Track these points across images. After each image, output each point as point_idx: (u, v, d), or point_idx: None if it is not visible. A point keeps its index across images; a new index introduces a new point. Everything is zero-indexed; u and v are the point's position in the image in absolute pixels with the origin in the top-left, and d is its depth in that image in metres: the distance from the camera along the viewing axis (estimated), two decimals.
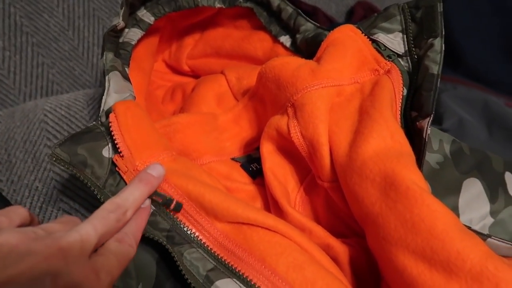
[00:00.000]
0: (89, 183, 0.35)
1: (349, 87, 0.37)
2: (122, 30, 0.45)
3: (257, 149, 0.43)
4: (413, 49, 0.38)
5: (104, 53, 0.43)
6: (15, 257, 0.23)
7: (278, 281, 0.29)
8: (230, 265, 0.31)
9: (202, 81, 0.51)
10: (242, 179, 0.41)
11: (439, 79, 0.35)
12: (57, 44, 0.70)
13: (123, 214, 0.29)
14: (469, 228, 0.32)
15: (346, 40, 0.38)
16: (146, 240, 0.33)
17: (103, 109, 0.39)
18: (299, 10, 0.48)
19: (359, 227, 0.35)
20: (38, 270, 0.23)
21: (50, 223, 0.28)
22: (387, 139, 0.31)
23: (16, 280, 0.22)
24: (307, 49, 0.47)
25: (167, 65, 0.61)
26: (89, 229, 0.26)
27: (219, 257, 0.31)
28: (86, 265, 0.25)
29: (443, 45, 0.36)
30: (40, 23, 0.70)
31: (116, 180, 0.35)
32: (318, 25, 0.47)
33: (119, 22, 0.43)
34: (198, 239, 0.32)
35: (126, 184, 0.35)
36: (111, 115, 0.37)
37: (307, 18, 0.48)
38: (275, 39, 0.51)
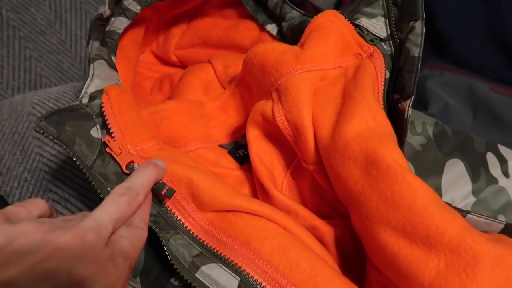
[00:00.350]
0: (78, 161, 0.34)
1: (332, 71, 0.37)
2: (108, 18, 0.45)
3: (245, 136, 0.43)
4: (395, 33, 0.39)
5: (90, 42, 0.43)
6: (32, 248, 0.22)
7: (262, 263, 0.30)
8: (215, 250, 0.31)
9: (189, 70, 0.51)
10: (229, 165, 0.42)
11: (420, 61, 0.35)
12: (45, 38, 0.70)
13: (134, 197, 0.29)
14: (450, 205, 0.33)
15: (329, 25, 0.39)
16: None
17: (85, 91, 0.39)
18: None
19: (345, 209, 0.36)
20: (55, 260, 0.23)
21: (69, 216, 0.28)
22: (369, 120, 0.32)
23: (33, 271, 0.22)
24: (293, 36, 0.47)
25: (155, 56, 0.61)
26: (103, 214, 0.26)
27: (204, 243, 0.32)
28: (103, 252, 0.25)
29: (424, 28, 0.37)
30: (27, 16, 0.69)
31: (105, 161, 0.35)
32: (304, 12, 0.47)
33: (105, 10, 0.43)
34: (184, 225, 0.33)
35: (118, 165, 0.35)
36: (104, 97, 0.37)
37: (293, 6, 0.48)
38: (262, 27, 0.51)
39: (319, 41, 0.37)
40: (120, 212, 0.27)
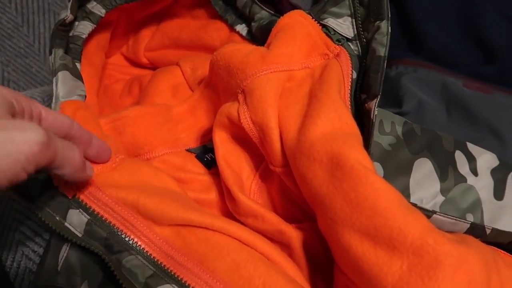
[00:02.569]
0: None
1: (299, 72, 0.37)
2: (71, 23, 0.44)
3: (212, 140, 0.43)
4: (362, 32, 0.39)
5: (53, 50, 0.41)
6: None
7: (215, 283, 0.29)
8: (169, 270, 0.31)
9: (157, 73, 0.50)
10: (196, 170, 0.41)
11: (385, 61, 0.35)
12: (11, 41, 0.68)
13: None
14: (416, 206, 0.33)
15: (296, 25, 0.38)
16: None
17: (53, 108, 0.38)
18: None
19: (314, 212, 0.36)
20: None
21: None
22: (334, 121, 0.31)
23: None
24: (262, 36, 0.47)
25: (126, 58, 0.60)
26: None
27: (159, 262, 0.31)
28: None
29: (390, 27, 0.37)
30: None
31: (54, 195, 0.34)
32: (273, 12, 0.47)
33: (67, 15, 0.41)
34: (137, 245, 0.32)
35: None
36: None
37: (262, 6, 0.48)
38: (232, 28, 0.51)
39: (285, 41, 0.37)
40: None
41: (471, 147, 0.39)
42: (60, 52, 0.41)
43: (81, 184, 0.33)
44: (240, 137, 0.38)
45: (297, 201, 0.37)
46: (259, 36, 0.48)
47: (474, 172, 0.37)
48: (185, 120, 0.44)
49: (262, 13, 0.47)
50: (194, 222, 0.31)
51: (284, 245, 0.35)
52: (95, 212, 0.32)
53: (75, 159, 0.29)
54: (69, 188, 0.33)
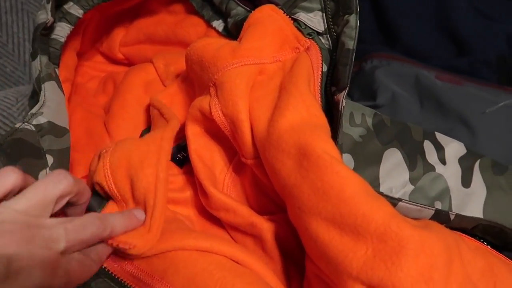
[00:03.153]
0: None
1: (271, 65, 0.37)
2: (51, 26, 0.43)
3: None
4: (332, 26, 0.39)
5: (39, 57, 0.40)
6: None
7: None
8: None
9: (130, 70, 0.50)
10: (170, 171, 0.41)
11: (354, 54, 0.36)
12: None
13: (103, 230, 0.29)
14: (384, 195, 0.33)
15: (266, 20, 0.39)
16: None
17: (37, 112, 0.37)
18: None
19: (284, 203, 0.36)
20: None
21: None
22: (302, 112, 0.32)
23: None
24: (237, 32, 0.46)
25: (101, 54, 0.59)
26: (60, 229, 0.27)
27: (126, 283, 0.32)
28: (46, 255, 0.25)
29: (358, 21, 0.37)
30: None
31: None
32: (248, 9, 0.47)
33: (48, 18, 0.40)
34: (106, 270, 0.32)
35: None
36: None
37: (238, 3, 0.48)
38: (208, 24, 0.51)
39: (256, 35, 0.37)
40: (87, 234, 0.28)
41: (439, 136, 0.40)
42: (45, 59, 0.40)
43: None
44: (213, 131, 0.39)
45: (269, 194, 0.37)
46: (235, 32, 0.48)
47: (443, 161, 0.38)
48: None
49: (238, 9, 0.47)
50: (152, 252, 0.32)
51: (256, 237, 0.35)
52: None
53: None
54: None
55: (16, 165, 0.33)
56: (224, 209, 0.35)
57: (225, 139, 0.38)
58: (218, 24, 0.50)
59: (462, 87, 0.54)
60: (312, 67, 0.36)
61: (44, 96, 0.39)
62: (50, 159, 0.37)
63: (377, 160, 0.37)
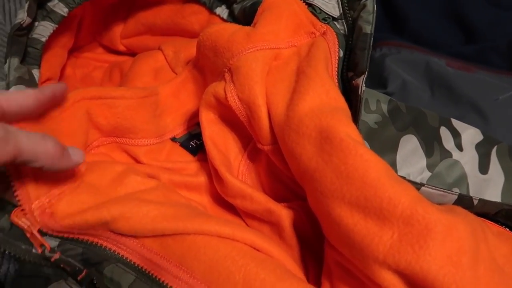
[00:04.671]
0: None
1: (286, 50, 0.37)
2: (30, 25, 0.40)
3: (198, 124, 0.42)
4: (348, 11, 0.39)
5: (8, 59, 0.38)
6: None
7: (196, 283, 0.29)
8: (150, 274, 0.30)
9: (138, 57, 0.49)
10: (183, 158, 0.41)
11: (372, 38, 0.35)
12: None
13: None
14: (405, 179, 0.33)
15: (281, 4, 0.38)
16: None
17: None
18: None
19: (301, 190, 0.36)
20: None
21: None
22: (322, 95, 0.31)
23: None
24: (245, 18, 0.46)
25: (101, 45, 0.58)
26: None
27: (139, 267, 0.30)
28: None
29: (375, 5, 0.37)
30: None
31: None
32: None
33: (24, 18, 0.38)
34: (116, 253, 0.31)
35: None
36: None
37: None
38: (211, 11, 0.49)
39: (271, 19, 0.37)
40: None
41: (455, 123, 0.39)
42: (15, 62, 0.38)
43: (41, 218, 0.31)
44: (227, 117, 0.38)
45: (285, 181, 0.37)
46: (242, 18, 0.47)
47: (459, 147, 0.38)
48: (170, 104, 0.43)
49: None
50: (171, 231, 0.30)
51: (273, 224, 0.35)
52: (65, 236, 0.31)
53: (47, 149, 0.27)
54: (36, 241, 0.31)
55: None
56: (241, 196, 0.35)
57: (239, 125, 0.38)
58: (222, 11, 0.49)
59: (473, 74, 0.54)
60: (330, 51, 0.35)
61: None
62: None
63: (394, 147, 0.37)
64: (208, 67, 0.40)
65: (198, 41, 0.40)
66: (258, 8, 0.39)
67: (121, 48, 0.56)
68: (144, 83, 0.45)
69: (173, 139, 0.43)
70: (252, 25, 0.39)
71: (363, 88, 0.34)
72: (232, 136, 0.39)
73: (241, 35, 0.36)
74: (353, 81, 0.35)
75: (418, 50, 0.58)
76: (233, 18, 0.48)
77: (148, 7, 0.53)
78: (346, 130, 0.28)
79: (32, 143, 0.26)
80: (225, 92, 0.35)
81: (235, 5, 0.47)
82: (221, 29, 0.37)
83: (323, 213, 0.29)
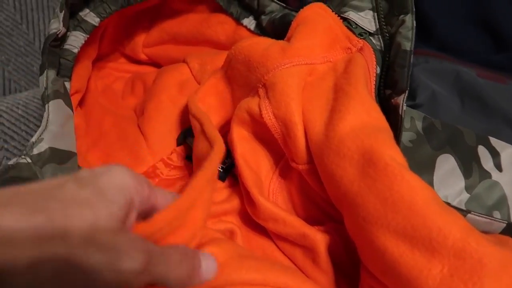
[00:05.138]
0: None
1: (321, 66, 0.35)
2: (64, 36, 0.40)
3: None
4: (384, 27, 0.37)
5: (46, 71, 0.37)
6: None
7: None
8: None
9: (163, 71, 0.48)
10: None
11: (412, 55, 0.34)
12: (11, 40, 0.66)
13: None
14: (448, 204, 0.32)
15: (316, 18, 0.37)
16: None
17: (38, 138, 0.33)
18: None
19: (336, 212, 0.34)
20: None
21: None
22: (363, 115, 0.30)
23: None
24: (274, 30, 0.45)
25: (123, 54, 0.57)
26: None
27: None
28: None
29: (414, 21, 0.36)
30: None
31: None
32: (284, 5, 0.45)
33: (59, 28, 0.37)
34: None
35: None
36: None
37: None
38: (237, 21, 0.49)
39: (306, 34, 0.36)
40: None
41: (494, 141, 0.38)
42: (52, 74, 0.37)
43: None
44: (259, 134, 0.37)
45: (318, 201, 0.36)
46: (271, 30, 0.46)
47: (499, 168, 0.36)
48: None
49: (273, 6, 0.46)
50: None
51: (307, 249, 0.34)
52: None
53: (181, 276, 0.23)
54: None
55: None
56: (273, 220, 0.33)
57: (271, 142, 0.37)
58: (249, 22, 0.48)
59: (506, 85, 0.52)
60: (368, 68, 0.34)
61: (47, 119, 0.35)
62: None
63: (430, 167, 0.36)
64: (238, 81, 0.39)
65: (229, 54, 0.39)
66: (292, 22, 0.38)
67: (143, 57, 0.55)
68: (169, 97, 0.45)
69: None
70: (285, 39, 0.38)
71: (404, 107, 0.32)
72: (263, 153, 0.38)
73: (275, 50, 0.35)
74: (392, 100, 0.34)
75: (447, 59, 0.57)
76: (261, 29, 0.47)
77: (172, 16, 0.52)
78: (391, 153, 0.27)
79: (165, 270, 0.22)
80: (259, 108, 0.34)
81: (263, 17, 0.46)
82: (254, 43, 0.37)
83: (365, 240, 0.28)
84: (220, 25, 0.49)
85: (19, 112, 0.49)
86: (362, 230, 0.28)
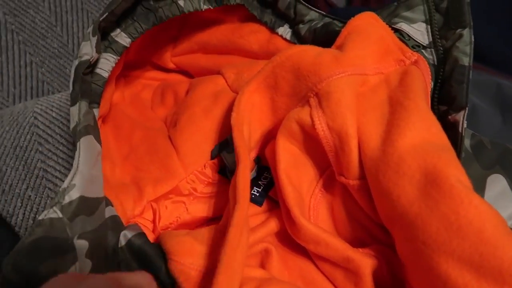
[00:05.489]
0: None
1: (373, 77, 0.34)
2: (96, 61, 0.38)
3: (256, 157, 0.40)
4: (439, 40, 0.36)
5: (79, 103, 0.34)
6: None
7: None
8: None
9: (197, 83, 0.46)
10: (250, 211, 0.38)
11: (471, 71, 0.33)
12: (45, 41, 0.66)
13: None
14: None
15: (368, 27, 0.35)
16: None
17: (69, 185, 0.30)
18: None
19: (381, 233, 0.33)
20: None
21: None
22: (424, 132, 0.28)
23: None
24: (314, 40, 0.43)
25: (148, 61, 0.55)
26: None
27: None
28: None
29: (473, 36, 0.34)
30: (25, 19, 0.66)
31: None
32: (324, 13, 0.44)
33: (92, 55, 0.34)
34: None
35: None
36: None
37: (309, 6, 0.44)
38: (272, 30, 0.47)
39: (359, 43, 0.34)
40: None
41: None
42: (85, 106, 0.34)
43: None
44: (304, 146, 0.35)
45: (363, 221, 0.34)
46: (310, 39, 0.44)
47: None
48: None
49: (312, 14, 0.44)
50: None
51: (349, 271, 0.32)
52: None
53: None
54: None
55: (38, 267, 0.26)
56: (315, 242, 0.32)
57: (315, 155, 0.35)
58: (284, 31, 0.46)
59: None
60: (426, 82, 0.33)
61: (79, 159, 0.31)
62: (83, 245, 0.29)
63: (480, 188, 0.34)
64: (283, 89, 0.37)
65: (274, 61, 0.37)
66: (342, 30, 0.37)
67: (171, 66, 0.54)
68: (204, 108, 0.43)
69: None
70: (333, 47, 0.37)
71: (465, 125, 0.31)
72: (305, 168, 0.36)
73: (328, 59, 0.33)
74: (450, 117, 0.33)
75: (487, 71, 0.55)
76: (298, 38, 0.46)
77: (202, 25, 0.50)
78: (456, 174, 0.26)
79: None
80: (311, 118, 0.32)
81: (301, 25, 0.45)
82: (302, 51, 0.35)
83: (422, 265, 0.26)
84: (253, 34, 0.48)
85: (53, 114, 0.48)
86: (421, 254, 0.26)
